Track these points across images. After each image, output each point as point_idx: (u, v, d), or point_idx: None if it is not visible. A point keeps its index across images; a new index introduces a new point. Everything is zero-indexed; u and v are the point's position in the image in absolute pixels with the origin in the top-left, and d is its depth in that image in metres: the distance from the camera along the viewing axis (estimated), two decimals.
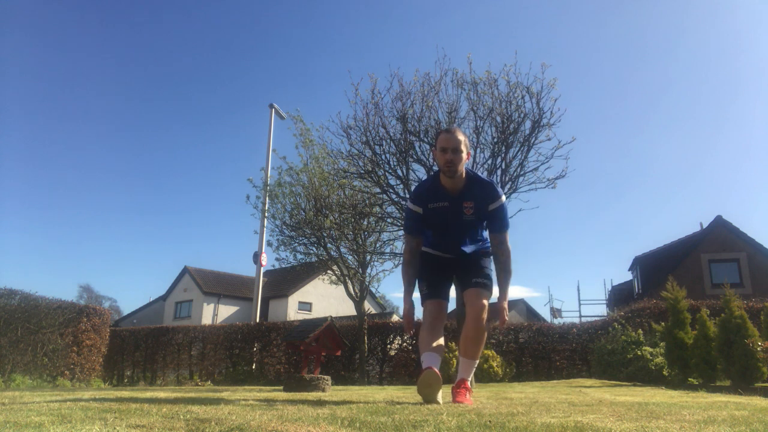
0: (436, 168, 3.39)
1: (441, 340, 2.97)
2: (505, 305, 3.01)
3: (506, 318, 3.01)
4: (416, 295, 3.23)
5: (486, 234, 3.16)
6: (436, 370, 2.73)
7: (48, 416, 1.88)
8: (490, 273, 3.07)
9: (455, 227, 3.02)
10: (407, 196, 6.71)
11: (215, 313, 30.03)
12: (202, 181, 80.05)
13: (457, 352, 3.09)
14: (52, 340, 11.13)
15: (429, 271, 3.13)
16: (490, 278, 3.04)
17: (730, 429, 1.70)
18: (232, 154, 79.21)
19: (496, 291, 3.14)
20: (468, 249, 3.10)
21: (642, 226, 68.46)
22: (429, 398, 2.73)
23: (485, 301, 2.93)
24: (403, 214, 8.54)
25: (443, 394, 2.95)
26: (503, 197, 2.97)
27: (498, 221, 2.96)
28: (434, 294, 3.08)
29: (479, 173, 3.27)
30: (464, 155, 2.88)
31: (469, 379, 2.95)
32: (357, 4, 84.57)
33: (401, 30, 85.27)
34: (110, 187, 76.70)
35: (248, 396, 3.80)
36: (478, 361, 3.03)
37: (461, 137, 2.89)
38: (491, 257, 3.12)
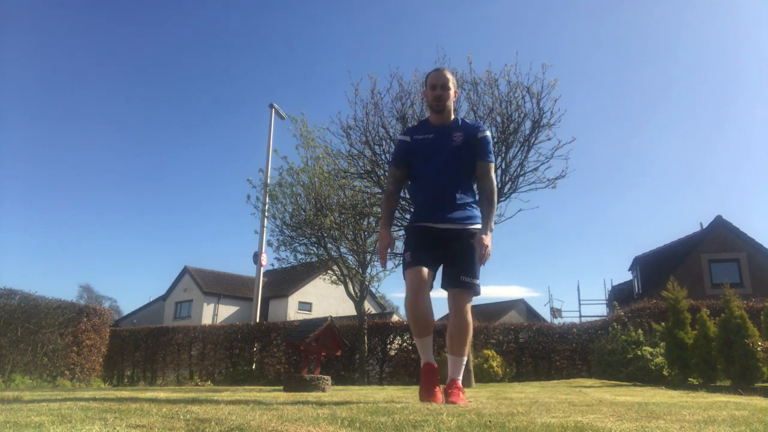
0: None
1: (427, 313, 2.86)
2: (488, 237, 2.90)
3: (487, 249, 2.86)
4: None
5: (475, 205, 3.06)
6: (432, 364, 2.91)
7: (48, 416, 1.88)
8: (478, 268, 2.95)
9: (443, 162, 2.98)
10: (407, 196, 6.71)
11: (215, 313, 30.03)
12: (202, 181, 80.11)
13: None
14: (52, 340, 11.13)
15: (414, 241, 2.99)
16: (476, 275, 2.93)
17: (730, 429, 1.70)
18: (232, 154, 79.24)
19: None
20: (458, 219, 2.95)
21: (642, 226, 68.49)
22: (429, 399, 2.77)
23: (468, 298, 2.93)
24: (401, 212, 8.55)
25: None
26: (488, 131, 3.13)
27: (483, 149, 3.04)
28: (416, 261, 2.87)
29: None
30: (452, 92, 3.08)
31: (459, 377, 2.91)
32: (357, 5, 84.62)
33: (401, 30, 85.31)
34: (110, 187, 76.75)
35: (248, 396, 3.80)
36: (466, 357, 2.98)
37: (449, 75, 3.09)
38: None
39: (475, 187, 3.15)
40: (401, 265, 3.07)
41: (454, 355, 2.92)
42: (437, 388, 2.87)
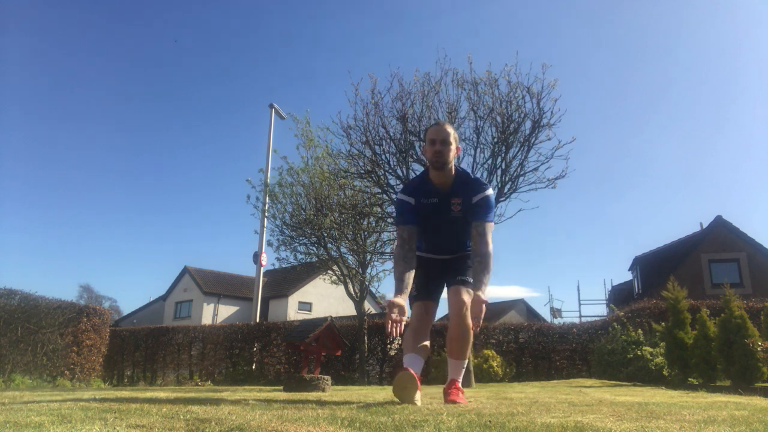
0: None
1: (426, 342, 2.91)
2: (482, 296, 2.67)
3: (481, 311, 2.63)
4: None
5: None
6: (413, 372, 2.64)
7: (48, 416, 1.88)
8: None
9: (444, 226, 2.99)
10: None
11: (215, 313, 30.04)
12: (202, 181, 79.99)
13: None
14: (52, 340, 11.13)
15: (418, 273, 3.01)
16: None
17: (730, 429, 1.70)
18: (232, 154, 79.16)
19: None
20: (458, 253, 3.10)
21: (642, 226, 68.39)
22: (404, 399, 2.58)
23: (466, 298, 2.84)
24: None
25: (434, 396, 2.94)
26: (489, 190, 2.94)
27: (480, 211, 2.86)
28: (421, 296, 3.03)
29: (478, 173, 3.28)
30: (453, 147, 2.89)
31: (459, 379, 2.91)
32: (357, 5, 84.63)
33: (401, 30, 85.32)
34: (110, 187, 76.61)
35: (248, 396, 3.80)
36: (467, 361, 2.98)
37: (450, 130, 2.91)
38: None
39: None
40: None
41: (453, 359, 2.93)
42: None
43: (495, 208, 3.10)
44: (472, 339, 2.96)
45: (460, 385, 2.90)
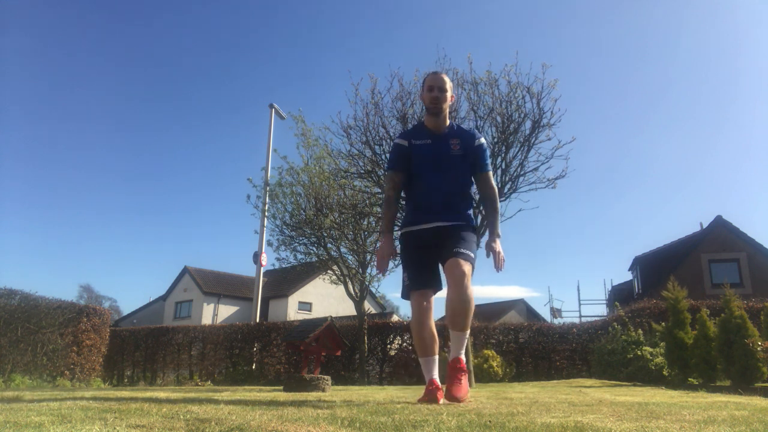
0: None
1: (434, 334, 2.91)
2: (498, 243, 2.95)
3: (501, 255, 2.91)
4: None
5: (470, 211, 3.10)
6: (437, 383, 2.80)
7: (48, 416, 1.88)
8: (473, 245, 2.94)
9: (440, 169, 2.98)
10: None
11: (215, 313, 30.03)
12: (202, 181, 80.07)
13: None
14: (52, 340, 11.13)
15: (409, 258, 3.00)
16: (472, 249, 2.90)
17: (730, 429, 1.69)
18: (232, 154, 79.23)
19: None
20: (454, 218, 2.98)
21: (642, 226, 68.49)
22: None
23: (466, 269, 2.79)
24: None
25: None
26: (483, 138, 3.13)
27: (481, 158, 3.07)
28: (418, 284, 2.94)
29: None
30: (448, 95, 3.06)
31: (462, 354, 2.83)
32: (357, 4, 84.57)
33: (401, 30, 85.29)
34: (110, 187, 76.73)
35: (248, 396, 3.80)
36: (468, 332, 2.89)
37: (447, 79, 3.09)
38: (474, 231, 3.05)
39: (472, 192, 3.21)
40: (401, 271, 3.11)
41: (455, 330, 2.82)
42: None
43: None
44: (473, 310, 2.85)
45: (464, 362, 2.83)
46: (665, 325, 7.23)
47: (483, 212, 3.30)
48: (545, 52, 60.41)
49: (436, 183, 2.99)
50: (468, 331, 2.91)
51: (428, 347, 2.91)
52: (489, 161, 3.15)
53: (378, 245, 2.99)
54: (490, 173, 3.13)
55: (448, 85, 3.08)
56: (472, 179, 3.13)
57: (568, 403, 2.89)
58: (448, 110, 3.11)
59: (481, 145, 3.07)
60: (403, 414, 2.04)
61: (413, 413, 2.07)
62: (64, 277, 76.36)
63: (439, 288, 3.01)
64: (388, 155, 8.11)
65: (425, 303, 2.94)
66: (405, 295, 3.02)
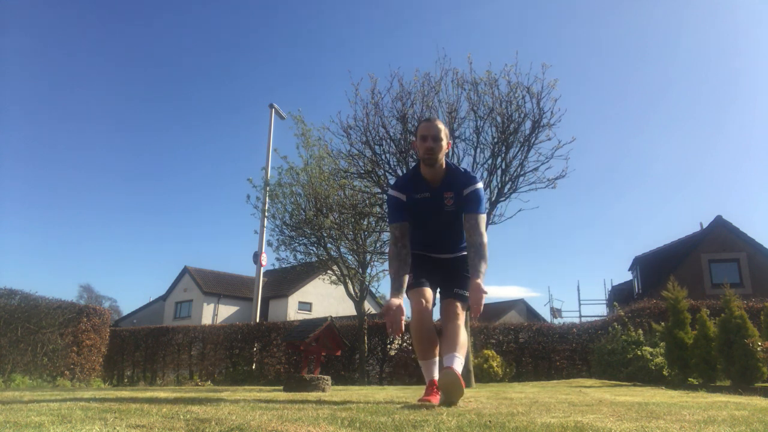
0: None
1: (434, 336, 2.86)
2: (481, 284, 2.65)
3: (481, 299, 2.61)
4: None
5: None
6: (438, 382, 2.74)
7: (48, 416, 1.88)
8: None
9: (438, 222, 2.99)
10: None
11: (215, 313, 30.03)
12: (202, 181, 80.00)
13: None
14: (52, 340, 11.13)
15: (412, 266, 2.99)
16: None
17: (730, 429, 1.70)
18: (232, 154, 79.18)
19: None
20: (453, 252, 3.07)
21: (642, 226, 68.41)
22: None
23: (461, 310, 2.89)
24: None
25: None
26: (479, 183, 2.96)
27: (471, 203, 2.88)
28: (419, 282, 2.93)
29: (478, 172, 3.27)
30: (444, 144, 2.91)
31: (453, 365, 2.65)
32: (357, 5, 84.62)
33: (401, 30, 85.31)
34: (110, 187, 76.63)
35: (248, 396, 3.80)
36: (462, 358, 2.71)
37: (441, 126, 2.93)
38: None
39: None
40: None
41: (448, 353, 2.70)
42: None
43: (486, 200, 3.13)
44: (466, 342, 2.81)
45: (456, 368, 2.61)
46: (665, 325, 7.23)
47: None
48: (545, 52, 60.39)
49: (436, 230, 3.04)
50: (461, 357, 2.69)
51: (427, 350, 2.82)
52: (481, 206, 2.93)
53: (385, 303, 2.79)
54: (480, 217, 2.89)
55: (444, 132, 2.92)
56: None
57: (568, 403, 2.89)
58: (443, 159, 2.95)
59: (473, 191, 2.89)
60: (403, 414, 2.04)
61: (413, 413, 2.07)
62: (64, 277, 76.36)
63: (435, 295, 3.05)
64: (388, 155, 8.16)
65: (425, 302, 2.90)
66: (408, 293, 3.02)
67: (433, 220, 2.98)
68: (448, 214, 2.95)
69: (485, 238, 2.86)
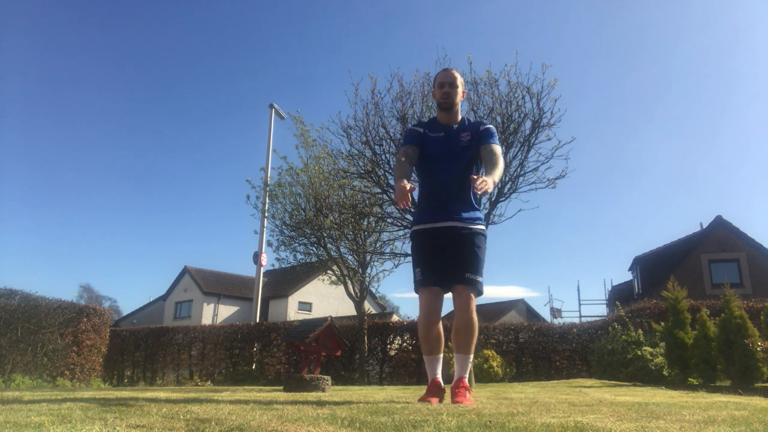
0: None
1: (440, 333, 2.97)
2: (489, 181, 2.71)
3: (487, 184, 2.65)
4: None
5: (479, 207, 3.10)
6: (440, 383, 2.89)
7: (48, 416, 1.88)
8: (483, 264, 2.96)
9: (449, 164, 3.03)
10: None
11: (215, 313, 30.02)
12: (202, 181, 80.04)
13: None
14: (52, 340, 11.12)
15: (422, 255, 3.01)
16: (479, 273, 2.93)
17: (730, 429, 1.69)
18: (232, 155, 79.22)
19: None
20: (460, 217, 2.97)
21: (642, 226, 68.46)
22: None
23: (473, 295, 2.89)
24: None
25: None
26: (490, 125, 3.17)
27: (486, 137, 3.05)
28: (428, 281, 2.96)
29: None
30: (460, 90, 3.12)
31: (466, 376, 2.91)
32: (357, 5, 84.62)
33: (402, 30, 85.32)
34: (110, 188, 76.71)
35: (248, 396, 3.80)
36: (472, 356, 2.96)
37: (457, 74, 3.15)
38: (485, 236, 3.04)
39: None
40: (411, 272, 3.13)
41: (460, 353, 2.91)
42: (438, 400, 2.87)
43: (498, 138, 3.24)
44: (477, 334, 2.95)
45: (467, 382, 2.89)
46: (665, 325, 7.23)
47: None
48: (545, 52, 60.39)
49: (447, 176, 3.03)
50: (472, 355, 2.95)
51: (433, 346, 2.96)
52: (495, 138, 3.09)
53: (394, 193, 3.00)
54: (496, 146, 3.03)
55: (459, 80, 3.13)
56: (481, 169, 3.11)
57: (568, 403, 2.89)
58: (459, 105, 3.15)
59: (488, 128, 3.10)
60: (403, 414, 2.04)
61: (413, 413, 2.07)
62: (64, 277, 76.40)
63: (445, 288, 3.03)
64: (388, 155, 8.16)
65: (435, 300, 2.96)
66: (417, 290, 3.06)
67: (446, 159, 3.04)
68: (464, 149, 3.04)
69: (500, 155, 3.03)
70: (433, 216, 3.01)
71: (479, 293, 2.94)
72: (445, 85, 3.09)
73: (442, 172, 3.04)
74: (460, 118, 3.15)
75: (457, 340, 2.90)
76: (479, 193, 2.64)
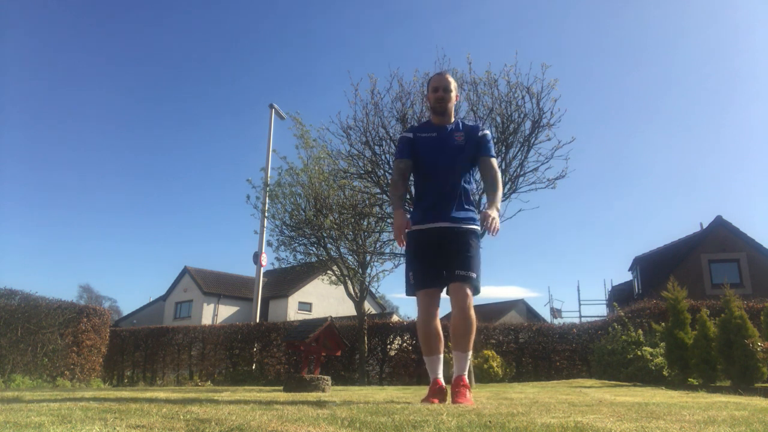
0: None
1: (439, 333, 2.98)
2: (494, 212, 2.89)
3: (494, 221, 2.83)
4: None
5: (473, 207, 3.13)
6: (441, 383, 2.91)
7: (48, 416, 1.88)
8: (478, 261, 2.97)
9: (444, 164, 3.05)
10: (407, 196, 6.70)
11: (215, 314, 30.01)
12: (202, 181, 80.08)
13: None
14: (52, 340, 11.12)
15: (415, 257, 3.03)
16: (474, 269, 2.92)
17: (730, 429, 1.69)
18: (232, 155, 79.27)
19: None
20: (455, 216, 2.99)
21: (642, 226, 68.50)
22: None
23: (470, 291, 2.88)
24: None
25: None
26: (487, 130, 3.23)
27: (486, 146, 3.14)
28: (423, 283, 2.98)
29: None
30: (453, 95, 3.19)
31: (465, 373, 2.91)
32: (357, 5, 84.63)
33: (401, 30, 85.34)
34: (110, 187, 76.75)
35: (248, 396, 3.80)
36: (471, 353, 2.97)
37: (451, 79, 3.22)
38: (478, 234, 3.05)
39: (473, 188, 3.23)
40: (404, 271, 3.15)
41: (458, 351, 2.92)
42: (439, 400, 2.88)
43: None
44: (475, 332, 2.96)
45: (467, 380, 2.90)
46: (665, 326, 7.23)
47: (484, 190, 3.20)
48: (545, 52, 60.42)
49: (440, 176, 3.05)
50: (470, 353, 2.97)
51: (433, 346, 2.98)
52: (493, 149, 3.20)
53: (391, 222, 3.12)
54: (493, 159, 3.16)
55: (453, 85, 3.20)
56: (474, 171, 3.22)
57: (568, 403, 2.89)
58: (453, 109, 3.21)
59: (485, 135, 3.16)
60: (403, 414, 2.04)
61: (413, 413, 2.07)
62: (64, 277, 76.42)
63: (441, 288, 3.04)
64: (388, 156, 8.15)
65: (432, 302, 2.99)
66: (410, 293, 3.06)
67: (440, 164, 3.07)
68: (458, 149, 3.07)
69: (498, 173, 3.16)
70: (427, 217, 3.03)
71: (476, 290, 2.93)
72: (439, 89, 3.15)
73: (437, 173, 3.06)
74: (453, 119, 3.22)
75: (455, 338, 2.90)
76: (492, 235, 2.85)
